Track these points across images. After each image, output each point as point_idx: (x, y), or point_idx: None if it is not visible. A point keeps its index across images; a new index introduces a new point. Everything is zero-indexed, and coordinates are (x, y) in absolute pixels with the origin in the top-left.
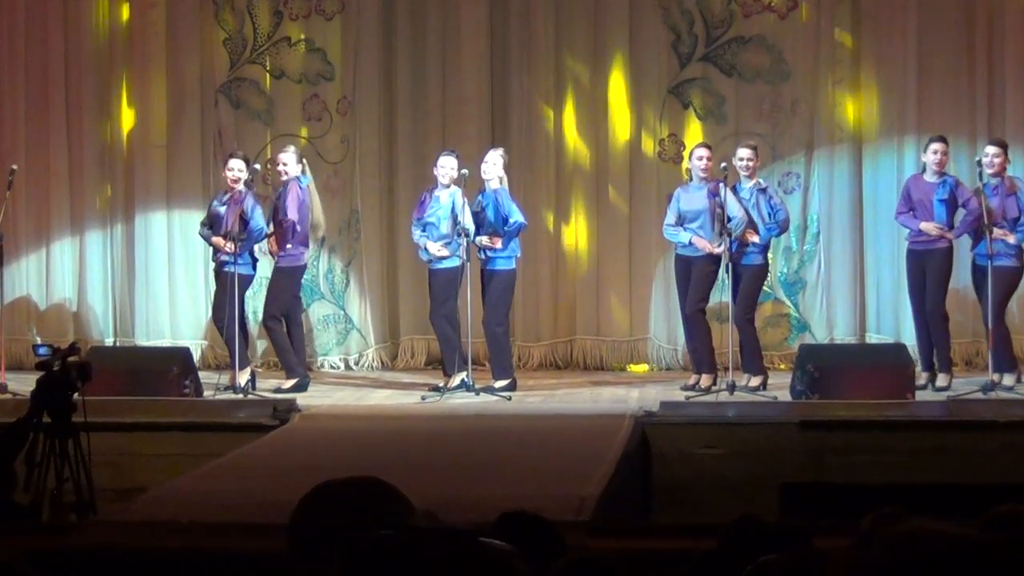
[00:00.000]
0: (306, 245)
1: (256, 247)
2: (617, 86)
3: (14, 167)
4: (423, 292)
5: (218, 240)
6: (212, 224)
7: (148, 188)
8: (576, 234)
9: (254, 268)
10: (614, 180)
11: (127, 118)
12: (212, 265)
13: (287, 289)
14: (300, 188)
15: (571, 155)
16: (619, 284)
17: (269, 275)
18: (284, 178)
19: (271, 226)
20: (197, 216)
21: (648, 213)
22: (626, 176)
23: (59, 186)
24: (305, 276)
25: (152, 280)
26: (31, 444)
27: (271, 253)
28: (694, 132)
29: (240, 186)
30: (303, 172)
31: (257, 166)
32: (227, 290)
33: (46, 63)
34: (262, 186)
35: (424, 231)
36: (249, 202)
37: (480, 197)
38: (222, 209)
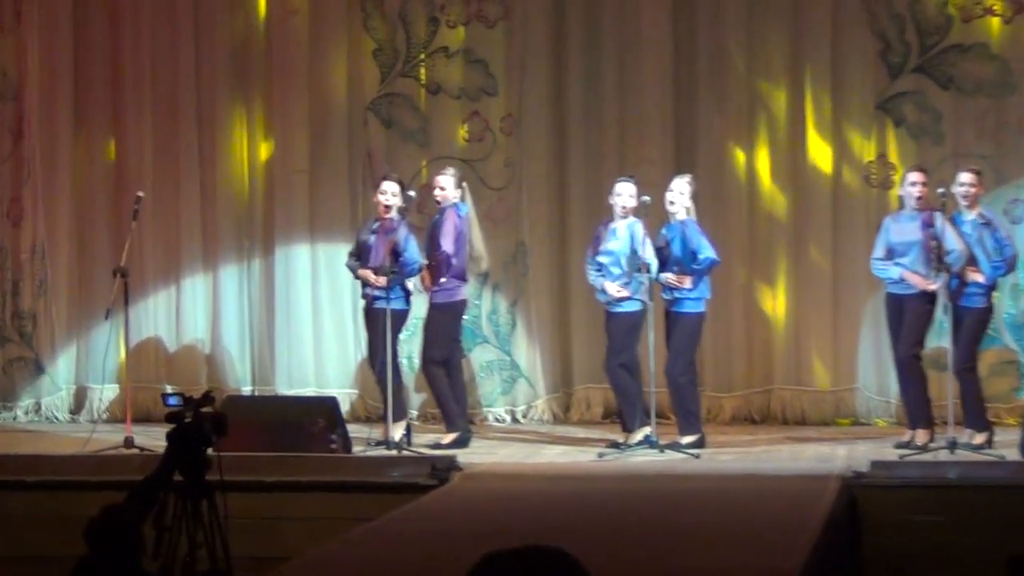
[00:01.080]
0: (463, 279)
1: (410, 282)
2: (817, 103)
3: (140, 194)
4: (599, 335)
5: (367, 273)
6: (360, 256)
7: (289, 218)
8: (772, 275)
9: (407, 302)
10: (814, 213)
11: (265, 139)
12: (361, 303)
13: (446, 329)
14: (458, 216)
15: (767, 198)
16: (822, 327)
17: (424, 315)
18: (441, 204)
19: (425, 258)
20: (343, 248)
21: (854, 246)
22: (828, 207)
23: (190, 215)
24: (466, 317)
25: (294, 320)
26: (161, 505)
27: (424, 288)
28: (906, 153)
29: (393, 214)
30: (462, 198)
31: (412, 193)
32: (379, 329)
33: (175, 78)
34: (416, 216)
35: (600, 270)
36: (402, 232)
37: (664, 230)
38: (372, 239)
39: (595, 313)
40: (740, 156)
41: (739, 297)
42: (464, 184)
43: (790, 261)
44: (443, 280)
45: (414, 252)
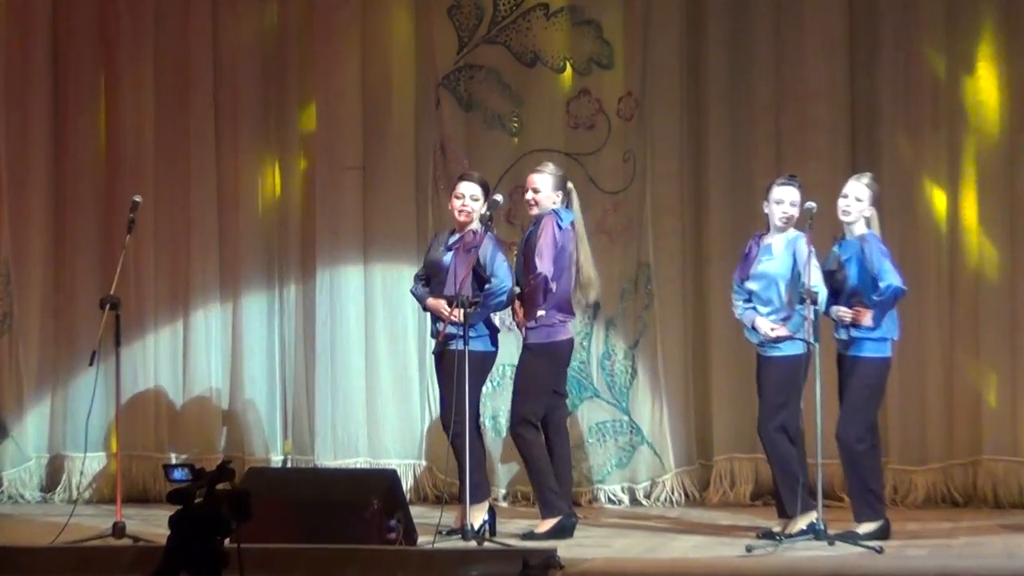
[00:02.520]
0: (567, 313)
1: (496, 316)
2: None
3: (137, 199)
4: (749, 387)
5: (439, 303)
6: (430, 281)
7: (336, 229)
8: (977, 311)
9: (494, 343)
10: None
11: (305, 127)
12: (431, 344)
13: (543, 379)
14: (559, 228)
15: (972, 248)
16: None
17: (516, 361)
18: (535, 212)
19: (516, 284)
20: (408, 271)
21: None
22: None
23: (203, 227)
24: (572, 363)
25: (341, 367)
26: None
27: (517, 324)
28: None
29: (474, 225)
30: (566, 204)
31: (499, 197)
32: (454, 379)
33: (185, 46)
34: (505, 228)
35: (750, 300)
36: (487, 248)
37: (836, 248)
38: (447, 258)
39: (743, 358)
40: (937, 193)
41: (932, 318)
42: (569, 186)
43: (1003, 314)
44: (540, 314)
45: (504, 276)
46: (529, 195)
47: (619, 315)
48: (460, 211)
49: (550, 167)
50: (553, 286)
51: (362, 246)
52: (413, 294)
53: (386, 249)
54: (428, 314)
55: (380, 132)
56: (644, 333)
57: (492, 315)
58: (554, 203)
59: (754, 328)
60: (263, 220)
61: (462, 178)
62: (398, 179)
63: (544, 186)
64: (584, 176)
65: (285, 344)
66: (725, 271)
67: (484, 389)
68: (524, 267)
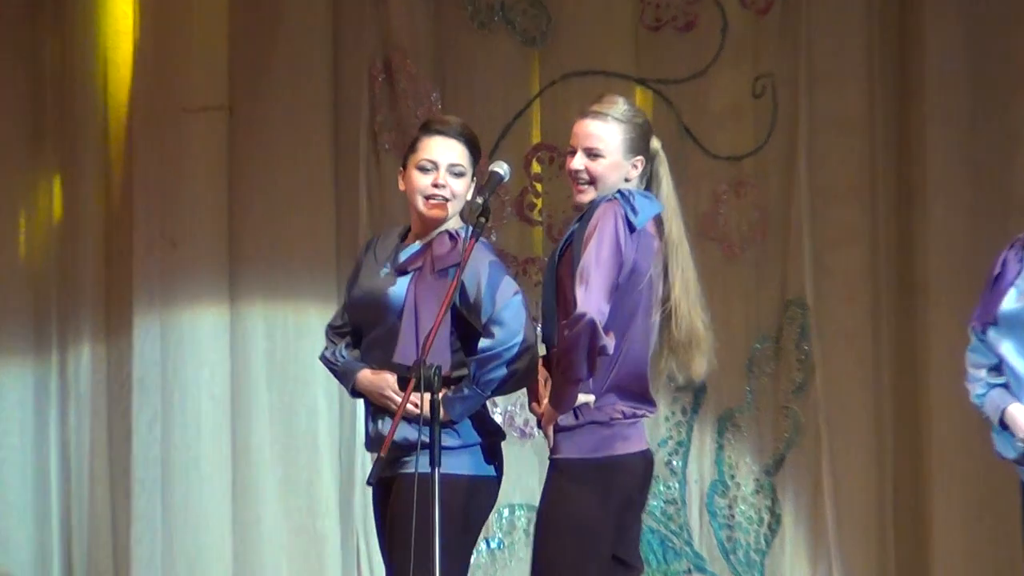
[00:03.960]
0: (641, 400)
1: (497, 405)
2: None
3: None
4: (1003, 527)
5: (381, 380)
6: (363, 333)
7: (174, 236)
8: None
9: (493, 461)
10: None
11: (111, 33)
12: (365, 463)
13: (591, 538)
14: (626, 227)
15: None
16: None
17: (537, 498)
18: (585, 196)
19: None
20: (317, 313)
21: None
22: None
23: None
24: (648, 500)
25: (182, 506)
26: None
27: (537, 419)
28: None
29: (453, 222)
30: (645, 183)
31: (503, 167)
32: (411, 535)
33: None
34: (516, 230)
35: (999, 369)
36: (480, 268)
37: None
38: (397, 288)
39: (993, 484)
40: None
41: None
42: (655, 146)
43: None
44: (585, 400)
45: (511, 322)
46: (577, 162)
47: (747, 405)
48: (428, 197)
49: (620, 107)
50: (609, 342)
51: (226, 267)
52: (326, 361)
53: (275, 271)
54: (359, 402)
55: (259, 56)
56: (796, 439)
57: (489, 403)
58: (626, 179)
59: (1006, 427)
60: (28, 258)
61: (430, 129)
62: (296, 135)
63: (609, 143)
64: (673, 127)
65: (67, 455)
66: (958, 312)
67: (475, 555)
68: (556, 304)
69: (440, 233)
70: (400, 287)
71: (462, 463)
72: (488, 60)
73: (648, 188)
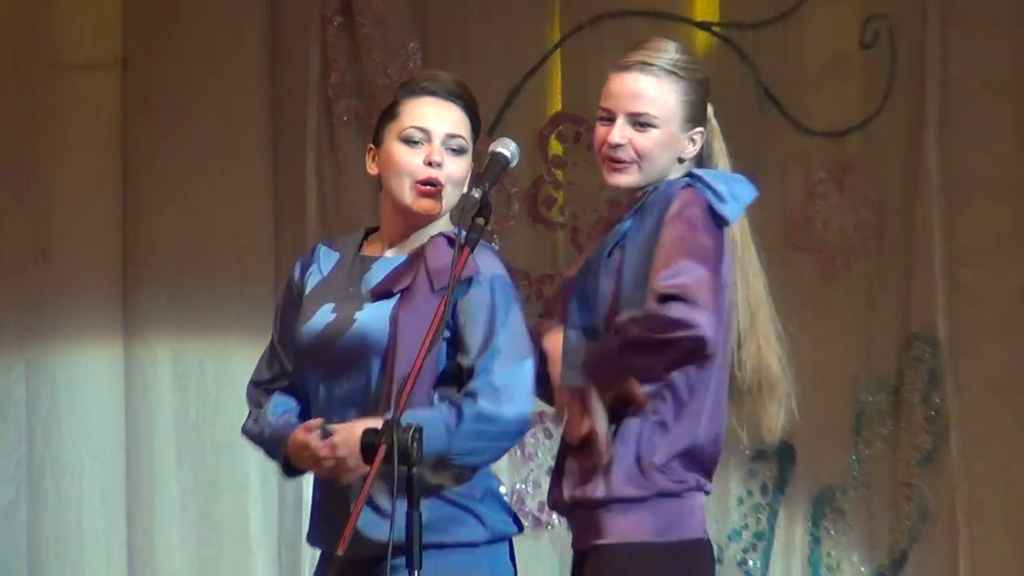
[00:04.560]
0: (709, 476)
1: (503, 481)
2: None
3: None
4: None
5: (322, 450)
6: (315, 382)
7: (45, 248)
8: None
9: (513, 565)
10: None
11: None
12: (313, 557)
13: None
14: (717, 219)
15: None
16: None
17: None
18: (627, 178)
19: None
20: (246, 354)
21: None
22: None
23: None
24: None
25: None
26: None
27: (555, 504)
28: None
29: (441, 223)
30: (697, 162)
31: (509, 148)
32: None
33: None
34: (525, 236)
35: None
36: (481, 291)
37: None
38: (371, 317)
39: None
40: None
41: None
42: (709, 112)
43: None
44: (656, 462)
45: (520, 394)
46: (619, 133)
47: (853, 481)
48: (421, 181)
49: (675, 55)
50: (684, 394)
51: (119, 287)
52: (250, 436)
53: (188, 294)
54: (299, 481)
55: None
56: (923, 529)
57: (493, 480)
58: (679, 159)
59: None
60: None
61: (417, 88)
62: (216, 102)
63: (664, 108)
64: (750, 91)
65: None
66: None
67: None
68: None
69: (435, 237)
70: (379, 317)
71: (455, 562)
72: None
73: (732, 184)
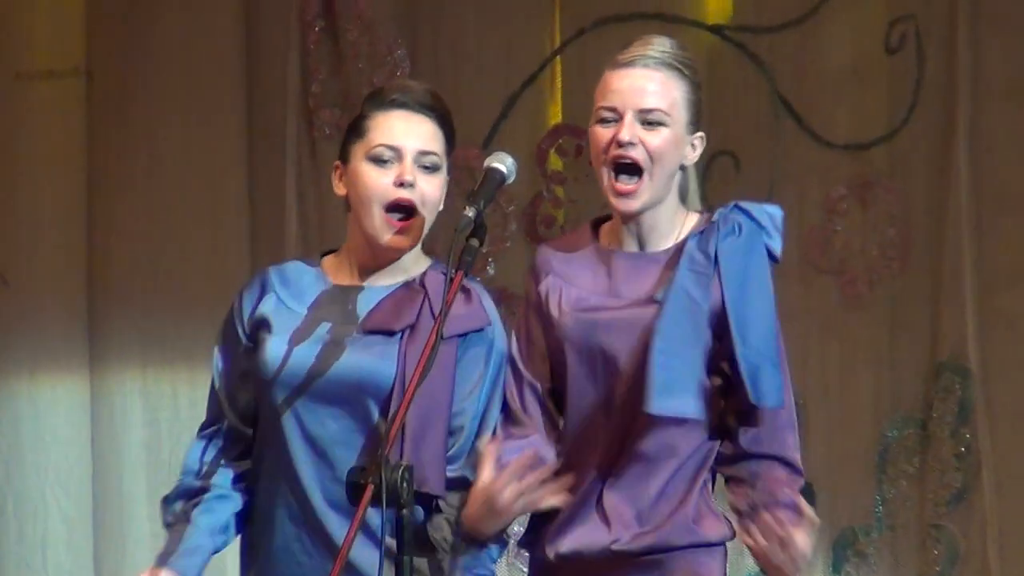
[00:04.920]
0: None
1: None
2: None
3: None
4: None
5: None
6: (268, 415)
7: (4, 273)
8: None
9: None
10: None
11: None
12: None
13: None
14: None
15: None
16: None
17: None
18: (636, 200)
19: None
20: (181, 402)
21: None
22: None
23: None
24: None
25: None
26: None
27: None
28: None
29: (419, 261)
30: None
31: (505, 163)
32: None
33: None
34: (527, 250)
35: None
36: (489, 354)
37: None
38: (377, 358)
39: None
40: None
41: None
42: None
43: None
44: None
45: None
46: (627, 131)
47: (877, 522)
48: (385, 217)
49: (675, 51)
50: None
51: (84, 313)
52: (163, 508)
53: (158, 321)
54: None
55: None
56: (953, 574)
57: None
58: (682, 166)
59: None
60: None
61: (385, 100)
62: (189, 114)
63: (672, 104)
64: (765, 99)
65: None
66: None
67: None
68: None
69: (433, 271)
70: (384, 356)
71: None
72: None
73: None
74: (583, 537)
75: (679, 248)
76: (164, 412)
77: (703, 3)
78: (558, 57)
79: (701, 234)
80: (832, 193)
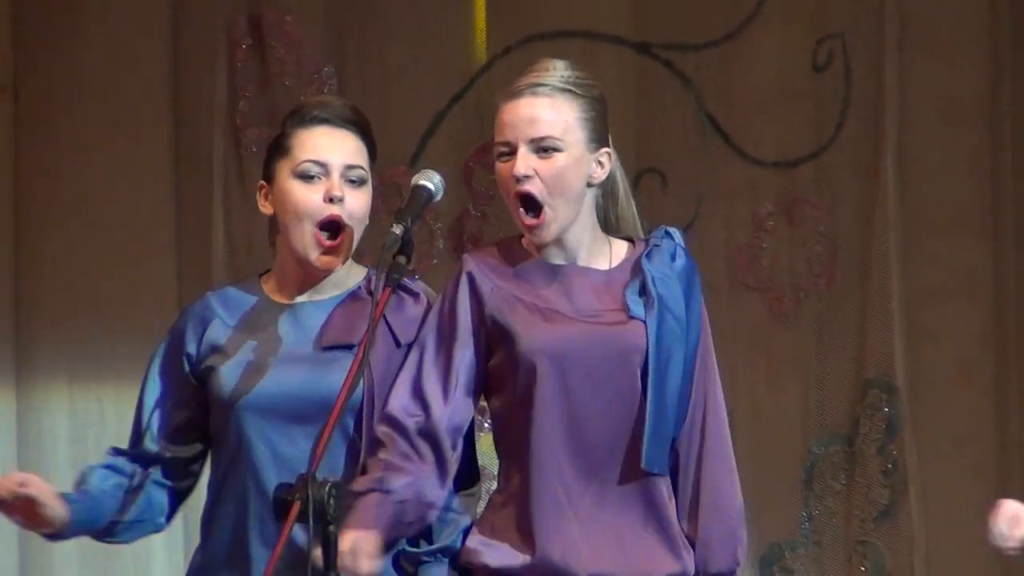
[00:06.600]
0: None
1: None
2: None
3: None
4: None
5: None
6: (230, 438)
7: None
8: None
9: None
10: None
11: None
12: None
13: None
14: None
15: None
16: None
17: None
18: (548, 231)
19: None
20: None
21: None
22: None
23: None
24: None
25: None
26: None
27: None
28: None
29: (352, 273)
30: (604, 191)
31: (432, 181)
32: None
33: None
34: (454, 267)
35: None
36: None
37: None
38: (323, 368)
39: None
40: None
41: None
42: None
43: None
44: None
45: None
46: (522, 164)
47: (803, 539)
48: (316, 237)
49: (565, 71)
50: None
51: (10, 329)
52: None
53: (85, 338)
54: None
55: (59, 14)
56: None
57: None
58: (589, 183)
59: None
60: None
61: (307, 116)
62: (115, 132)
63: (564, 128)
64: (691, 117)
65: None
66: None
67: None
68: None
69: (368, 279)
70: (339, 374)
71: None
72: (410, 16)
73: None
74: (558, 555)
75: (635, 265)
76: (91, 429)
77: (630, 21)
78: (485, 75)
79: (649, 257)
80: (759, 210)
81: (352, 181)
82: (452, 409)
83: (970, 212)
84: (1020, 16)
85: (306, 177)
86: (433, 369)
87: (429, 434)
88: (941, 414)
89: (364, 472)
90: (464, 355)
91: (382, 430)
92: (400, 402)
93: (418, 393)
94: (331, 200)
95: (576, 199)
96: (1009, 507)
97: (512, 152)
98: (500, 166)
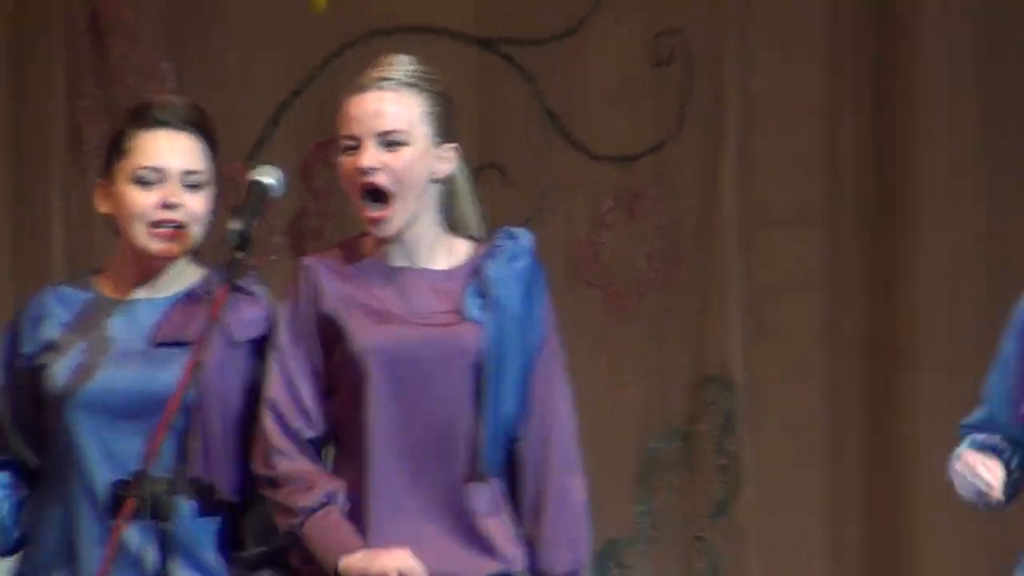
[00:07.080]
0: None
1: None
2: None
3: None
4: None
5: None
6: (60, 435)
7: None
8: None
9: None
10: None
11: None
12: None
13: None
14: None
15: None
16: None
17: None
18: (392, 225)
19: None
20: None
21: None
22: None
23: None
24: None
25: None
26: None
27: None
28: None
29: (187, 272)
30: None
31: (272, 176)
32: None
33: None
34: (292, 264)
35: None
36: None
37: None
38: (153, 365)
39: None
40: None
41: None
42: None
43: None
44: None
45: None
46: (368, 157)
47: (640, 534)
48: (156, 224)
49: (410, 66)
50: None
51: None
52: None
53: None
54: None
55: None
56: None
57: None
58: (433, 179)
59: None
60: None
61: (147, 118)
62: None
63: (410, 122)
64: (533, 112)
65: None
66: (962, 388)
67: None
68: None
69: (207, 279)
70: (184, 370)
71: None
72: (250, 11)
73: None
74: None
75: (476, 266)
76: None
77: (470, 16)
78: (327, 69)
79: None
80: (600, 206)
81: (191, 185)
82: (325, 413)
83: (812, 207)
84: (860, 14)
85: (143, 182)
86: (302, 374)
87: (315, 441)
88: (779, 410)
89: (257, 478)
90: (320, 355)
91: (280, 441)
92: (287, 411)
93: (298, 402)
94: (168, 206)
95: (421, 194)
96: (975, 456)
97: (358, 146)
98: (345, 159)
